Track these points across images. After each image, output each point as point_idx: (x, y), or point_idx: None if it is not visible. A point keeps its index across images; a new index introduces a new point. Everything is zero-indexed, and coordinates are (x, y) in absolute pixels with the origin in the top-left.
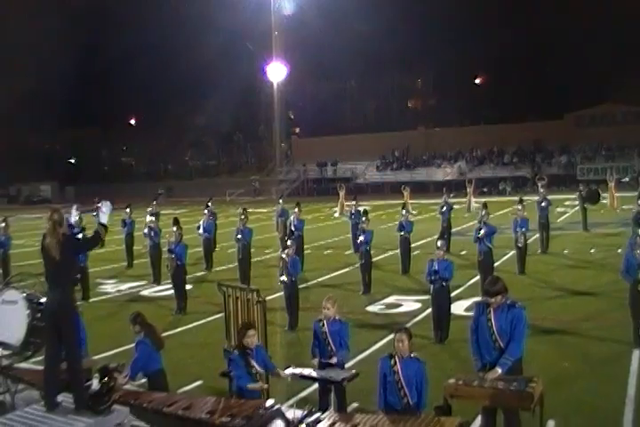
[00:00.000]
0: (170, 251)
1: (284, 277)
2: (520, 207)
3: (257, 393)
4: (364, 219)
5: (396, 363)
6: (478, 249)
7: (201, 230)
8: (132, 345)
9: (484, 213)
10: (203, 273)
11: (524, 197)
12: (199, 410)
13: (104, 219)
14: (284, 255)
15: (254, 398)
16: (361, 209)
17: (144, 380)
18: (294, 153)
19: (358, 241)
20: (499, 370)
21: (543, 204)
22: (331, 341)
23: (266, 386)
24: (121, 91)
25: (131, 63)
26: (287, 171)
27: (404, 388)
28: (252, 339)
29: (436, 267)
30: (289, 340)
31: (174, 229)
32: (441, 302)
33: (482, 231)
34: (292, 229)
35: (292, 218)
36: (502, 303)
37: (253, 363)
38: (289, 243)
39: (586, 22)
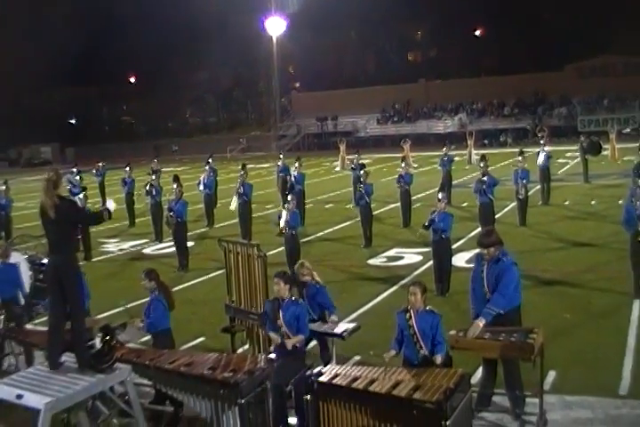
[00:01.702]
0: (170, 209)
1: (282, 224)
2: (521, 159)
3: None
4: (362, 172)
5: (411, 317)
6: (479, 201)
7: (201, 187)
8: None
9: (482, 164)
10: (204, 230)
11: (525, 149)
12: (201, 366)
13: (111, 206)
14: (284, 211)
15: (285, 351)
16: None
17: (147, 337)
18: (294, 108)
19: (357, 194)
20: (480, 323)
21: (544, 154)
22: (308, 306)
23: (288, 343)
24: (119, 48)
25: (128, 20)
26: (287, 126)
27: (420, 341)
28: (275, 287)
29: (435, 219)
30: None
31: (174, 186)
32: (442, 255)
33: (484, 180)
34: (293, 181)
35: (292, 172)
36: (496, 256)
37: (280, 315)
38: (289, 197)
39: None
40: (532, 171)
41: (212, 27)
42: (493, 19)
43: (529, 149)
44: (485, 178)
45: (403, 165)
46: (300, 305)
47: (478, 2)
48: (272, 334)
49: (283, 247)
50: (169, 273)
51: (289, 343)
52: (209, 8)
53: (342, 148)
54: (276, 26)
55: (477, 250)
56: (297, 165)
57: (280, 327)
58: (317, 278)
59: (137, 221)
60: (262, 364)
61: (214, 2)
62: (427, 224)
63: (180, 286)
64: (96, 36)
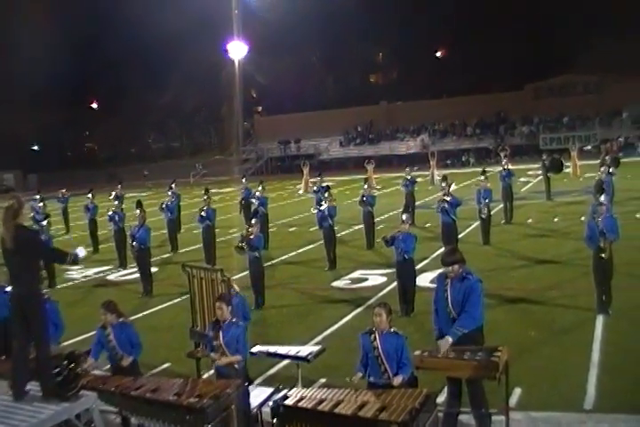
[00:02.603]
0: (132, 236)
1: (243, 244)
2: (483, 178)
3: (229, 370)
4: (326, 195)
5: (375, 338)
6: (442, 221)
7: (164, 207)
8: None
9: (444, 185)
10: (168, 255)
11: (488, 168)
12: (166, 392)
13: (81, 253)
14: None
15: (225, 372)
16: (324, 185)
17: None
18: (257, 132)
19: (317, 214)
20: (449, 339)
21: (505, 174)
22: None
23: (222, 360)
24: (81, 74)
25: (89, 45)
26: (250, 150)
27: (385, 363)
28: (219, 311)
29: (399, 237)
30: (256, 318)
31: (137, 211)
32: (406, 276)
33: (447, 199)
34: (257, 205)
35: (256, 196)
36: (459, 274)
37: (220, 336)
38: (253, 221)
39: None
40: (494, 189)
41: (173, 51)
42: (454, 40)
43: (491, 169)
44: (448, 198)
45: (365, 186)
46: (239, 327)
47: (439, 23)
48: (212, 354)
49: (247, 271)
50: (133, 299)
51: (223, 361)
52: (170, 32)
53: (306, 171)
54: (237, 50)
55: (441, 270)
56: (260, 188)
57: (219, 348)
58: (237, 289)
59: (100, 247)
60: (229, 389)
61: (175, 26)
62: (388, 238)
63: (145, 312)
64: (57, 61)
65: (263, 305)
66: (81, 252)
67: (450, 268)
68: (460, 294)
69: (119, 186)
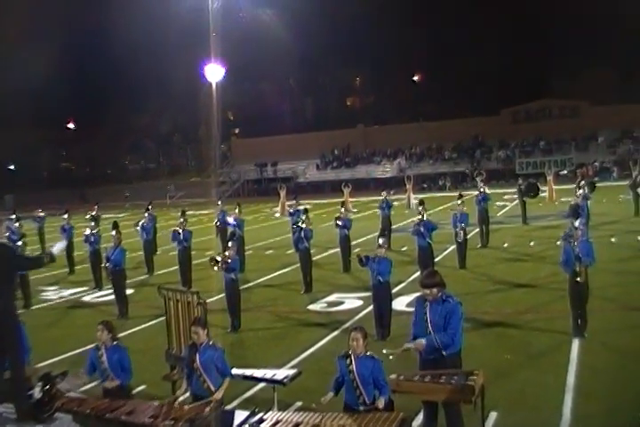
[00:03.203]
0: (107, 258)
1: (218, 258)
2: (460, 202)
3: (205, 392)
4: (304, 217)
5: (351, 362)
6: (418, 244)
7: (139, 228)
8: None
9: (421, 208)
10: (144, 277)
11: (464, 192)
12: (142, 415)
13: (56, 251)
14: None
15: (201, 394)
16: (301, 208)
17: (90, 386)
18: (234, 154)
19: (293, 236)
20: (423, 341)
21: (481, 198)
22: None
23: (219, 394)
24: (58, 94)
25: (67, 65)
26: (227, 172)
27: (360, 386)
28: (195, 335)
29: (375, 260)
30: (231, 341)
31: (113, 233)
32: (382, 299)
33: (423, 219)
34: (233, 227)
35: (231, 219)
36: (438, 297)
37: (196, 359)
38: (230, 244)
39: (520, 18)
40: (470, 213)
41: (151, 73)
42: (431, 64)
43: (468, 193)
44: (424, 221)
45: (342, 209)
46: (217, 349)
47: (416, 48)
48: (179, 392)
49: (223, 294)
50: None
51: (220, 394)
52: (148, 54)
53: (282, 194)
54: (215, 72)
55: (417, 293)
56: (236, 211)
57: (196, 370)
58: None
59: (76, 268)
60: (204, 412)
61: (153, 48)
62: (362, 257)
63: (121, 334)
64: (34, 81)
65: (239, 328)
66: (59, 245)
67: (428, 290)
68: (442, 318)
69: (96, 207)
